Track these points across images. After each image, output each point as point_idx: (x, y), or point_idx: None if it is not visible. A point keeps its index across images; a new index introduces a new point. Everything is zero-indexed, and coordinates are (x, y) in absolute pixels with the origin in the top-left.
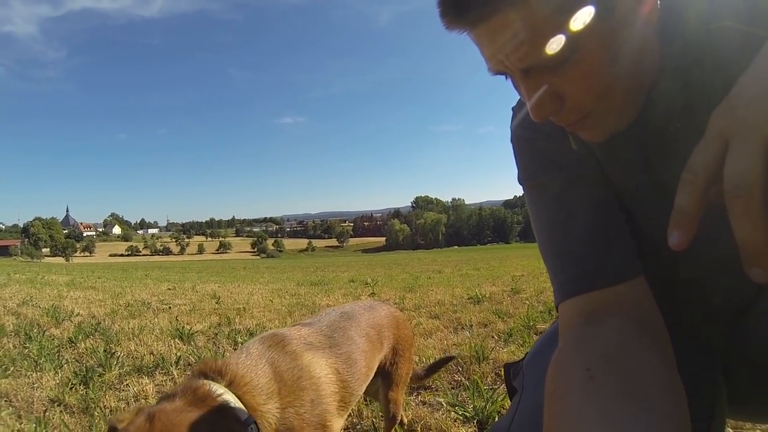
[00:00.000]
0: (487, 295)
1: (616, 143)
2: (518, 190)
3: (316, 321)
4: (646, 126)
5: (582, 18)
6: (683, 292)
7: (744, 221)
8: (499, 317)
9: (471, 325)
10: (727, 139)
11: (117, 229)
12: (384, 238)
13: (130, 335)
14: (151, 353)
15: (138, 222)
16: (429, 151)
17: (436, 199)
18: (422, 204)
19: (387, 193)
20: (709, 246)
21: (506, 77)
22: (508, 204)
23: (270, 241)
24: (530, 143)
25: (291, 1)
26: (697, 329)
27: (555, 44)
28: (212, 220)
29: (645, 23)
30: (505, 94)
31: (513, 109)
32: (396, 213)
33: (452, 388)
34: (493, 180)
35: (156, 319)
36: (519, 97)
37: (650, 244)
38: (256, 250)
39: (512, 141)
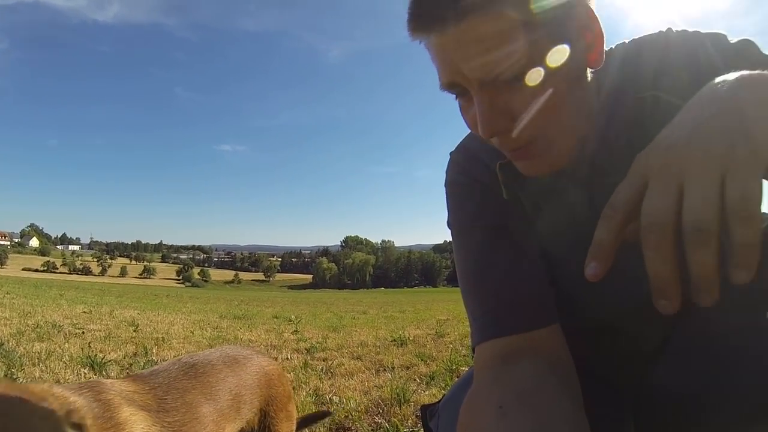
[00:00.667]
0: (411, 338)
1: (559, 185)
2: (448, 235)
3: (150, 375)
4: (591, 167)
5: (567, 19)
6: (599, 337)
7: (656, 255)
8: (422, 360)
9: (393, 367)
10: (647, 180)
11: (35, 242)
12: (311, 276)
13: (36, 360)
14: (58, 382)
15: (59, 236)
16: (364, 191)
17: (365, 239)
18: (352, 244)
19: (317, 231)
20: (622, 294)
21: (456, 96)
22: (437, 248)
23: (196, 270)
24: (464, 189)
25: (247, 27)
26: (610, 372)
27: (517, 57)
28: (139, 242)
29: (590, 67)
30: (444, 137)
31: (451, 154)
32: (325, 251)
33: (372, 431)
34: (425, 224)
35: (67, 345)
36: (457, 143)
37: (572, 290)
38: (181, 278)
39: (446, 185)
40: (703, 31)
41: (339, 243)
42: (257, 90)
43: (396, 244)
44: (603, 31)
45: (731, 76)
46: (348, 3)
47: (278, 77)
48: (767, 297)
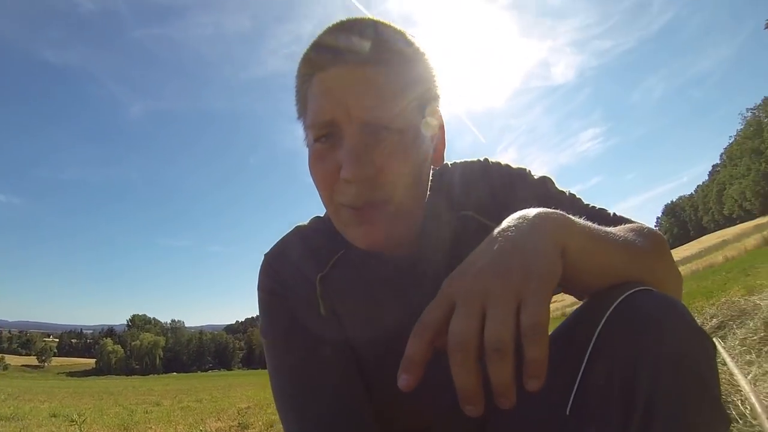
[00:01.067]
0: None
1: (380, 294)
2: (240, 315)
3: None
4: (411, 274)
5: (432, 111)
6: None
7: (461, 369)
8: None
9: None
10: (454, 302)
11: None
12: (94, 360)
13: None
14: None
15: None
16: (152, 265)
17: (154, 318)
18: (139, 323)
19: (101, 307)
20: (435, 400)
21: (324, 139)
22: (230, 329)
23: None
24: (279, 301)
25: (46, 56)
26: None
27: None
28: None
29: (432, 165)
30: (239, 213)
31: (266, 257)
32: (110, 331)
33: None
34: (216, 303)
35: None
36: (275, 246)
37: (389, 397)
38: None
39: (260, 291)
40: (513, 166)
41: (125, 322)
42: (44, 133)
43: (186, 324)
44: (445, 142)
45: (531, 212)
46: (158, 55)
47: (72, 124)
48: (565, 397)
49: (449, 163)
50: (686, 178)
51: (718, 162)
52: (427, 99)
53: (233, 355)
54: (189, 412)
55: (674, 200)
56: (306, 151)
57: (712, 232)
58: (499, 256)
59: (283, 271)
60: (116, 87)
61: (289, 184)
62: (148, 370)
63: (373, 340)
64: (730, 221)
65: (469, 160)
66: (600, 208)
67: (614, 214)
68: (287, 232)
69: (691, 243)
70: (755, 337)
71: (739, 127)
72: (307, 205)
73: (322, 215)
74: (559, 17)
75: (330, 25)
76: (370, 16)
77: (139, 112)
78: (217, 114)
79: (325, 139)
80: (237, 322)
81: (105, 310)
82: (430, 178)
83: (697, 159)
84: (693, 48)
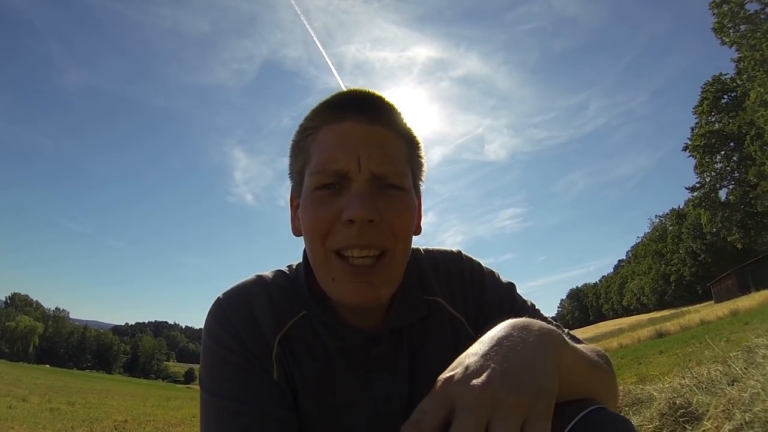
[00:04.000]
0: None
1: (339, 367)
2: (131, 318)
3: None
4: (379, 349)
5: (419, 178)
6: None
7: None
8: None
9: None
10: (454, 406)
11: None
12: None
13: None
14: None
15: None
16: (46, 244)
17: (37, 302)
18: (19, 303)
19: None
20: None
21: (328, 186)
22: (118, 330)
23: None
24: (231, 356)
25: None
26: None
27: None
28: None
29: (414, 234)
30: (151, 207)
31: (221, 302)
32: None
33: None
34: (108, 299)
35: None
36: (233, 293)
37: None
38: None
39: (208, 336)
40: (484, 265)
41: (4, 299)
42: None
43: (71, 316)
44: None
45: (533, 324)
46: (108, 30)
47: None
48: None
49: (421, 248)
50: (593, 267)
51: (624, 258)
52: (417, 167)
53: (116, 358)
54: (58, 416)
55: (579, 286)
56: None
57: (611, 319)
58: (509, 368)
59: (240, 325)
60: (56, 47)
61: (207, 198)
62: (19, 357)
63: (324, 415)
64: (628, 312)
65: (444, 248)
66: (557, 324)
67: (568, 332)
68: (246, 278)
69: (589, 326)
70: (650, 426)
71: (647, 230)
72: (222, 226)
73: (284, 269)
74: (504, 100)
75: (336, 92)
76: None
77: (73, 79)
78: (152, 108)
79: (329, 186)
80: (126, 324)
81: None
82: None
83: (604, 251)
84: (617, 153)
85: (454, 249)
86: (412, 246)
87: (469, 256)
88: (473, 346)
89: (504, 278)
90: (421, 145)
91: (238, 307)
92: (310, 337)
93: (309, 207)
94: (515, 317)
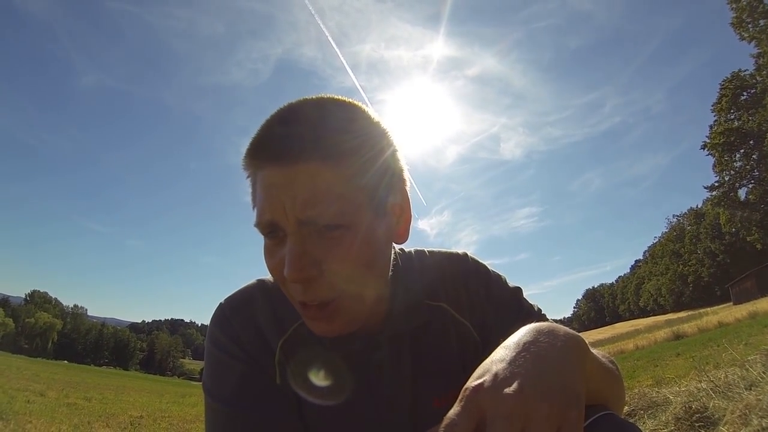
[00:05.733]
0: None
1: (338, 375)
2: (147, 316)
3: None
4: (373, 358)
5: (393, 190)
6: None
7: None
8: None
9: None
10: (485, 415)
11: None
12: None
13: None
14: None
15: None
16: (66, 242)
17: (55, 299)
18: (38, 301)
19: None
20: None
21: (271, 234)
22: (134, 327)
23: None
24: (234, 361)
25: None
26: None
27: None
28: None
29: (395, 242)
30: (167, 204)
31: (222, 307)
32: (4, 301)
33: None
34: (126, 297)
35: None
36: (235, 297)
37: None
38: None
39: (214, 345)
40: (491, 268)
41: (23, 296)
42: None
43: (89, 313)
44: (412, 213)
45: (559, 330)
46: (125, 33)
47: (18, 75)
48: None
49: (427, 250)
50: (609, 267)
51: (641, 258)
52: (384, 182)
53: (133, 355)
54: (75, 411)
55: (595, 286)
56: None
57: (627, 320)
58: (540, 375)
59: (243, 330)
60: (75, 53)
61: (224, 197)
62: (38, 353)
63: (327, 418)
64: (644, 313)
65: (448, 251)
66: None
67: None
68: (248, 283)
69: (605, 327)
70: (665, 430)
71: (664, 230)
72: (238, 224)
73: None
74: (519, 98)
75: (270, 115)
76: (323, 95)
77: (91, 83)
78: (169, 109)
79: (271, 235)
80: (143, 321)
81: (1, 278)
82: (398, 257)
83: (621, 251)
84: (634, 151)
85: (460, 251)
86: (418, 248)
87: (476, 258)
88: (498, 351)
89: (511, 282)
90: (393, 147)
91: (239, 312)
92: (312, 341)
93: (264, 255)
94: (522, 322)
